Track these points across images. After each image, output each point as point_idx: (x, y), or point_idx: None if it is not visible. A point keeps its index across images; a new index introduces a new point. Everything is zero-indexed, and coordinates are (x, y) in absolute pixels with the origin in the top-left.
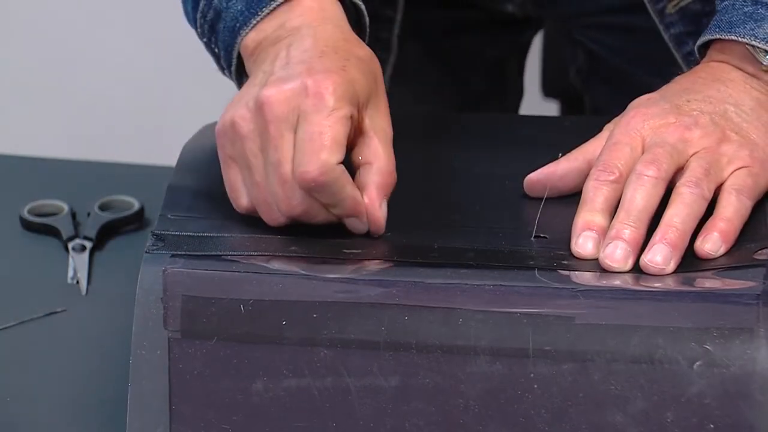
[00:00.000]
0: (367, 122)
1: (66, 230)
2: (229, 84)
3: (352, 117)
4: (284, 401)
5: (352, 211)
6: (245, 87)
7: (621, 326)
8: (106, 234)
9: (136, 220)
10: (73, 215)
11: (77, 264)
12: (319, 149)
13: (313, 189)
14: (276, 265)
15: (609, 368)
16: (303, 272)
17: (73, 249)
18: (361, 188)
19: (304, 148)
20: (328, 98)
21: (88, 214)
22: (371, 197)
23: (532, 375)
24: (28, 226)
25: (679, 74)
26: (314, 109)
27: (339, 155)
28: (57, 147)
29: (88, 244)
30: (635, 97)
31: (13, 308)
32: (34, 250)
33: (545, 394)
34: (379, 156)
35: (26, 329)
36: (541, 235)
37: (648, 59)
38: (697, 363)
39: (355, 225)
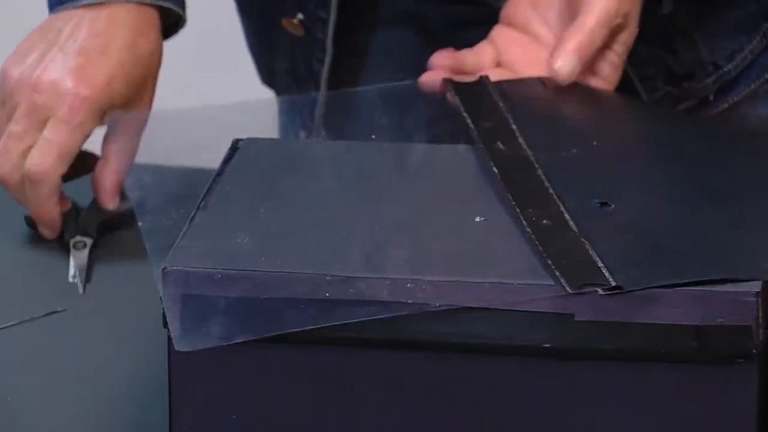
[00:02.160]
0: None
1: (68, 227)
2: (229, 84)
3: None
4: (285, 400)
5: (41, 220)
6: (39, 39)
7: (617, 324)
8: (106, 230)
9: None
10: (77, 212)
11: (77, 262)
12: (52, 155)
13: (28, 180)
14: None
15: (606, 366)
16: (304, 270)
17: (74, 247)
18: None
19: (42, 147)
20: (80, 114)
21: (88, 210)
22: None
23: (527, 372)
24: (31, 221)
25: None
26: (64, 119)
27: (64, 168)
28: None
29: (89, 242)
30: None
31: (13, 307)
32: (35, 249)
33: (540, 391)
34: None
35: (27, 329)
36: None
37: None
38: (694, 359)
39: (43, 230)
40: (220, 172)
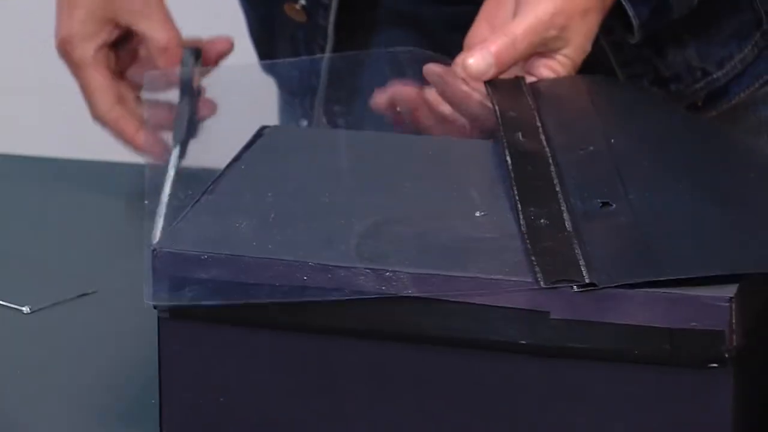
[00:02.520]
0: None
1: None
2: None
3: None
4: (272, 386)
5: (133, 146)
6: None
7: (591, 323)
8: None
9: None
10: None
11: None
12: (89, 103)
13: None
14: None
15: (580, 365)
16: (293, 258)
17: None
18: None
19: (84, 97)
20: (74, 54)
21: None
22: None
23: (505, 367)
24: None
25: None
26: (72, 67)
27: (102, 103)
28: (57, 147)
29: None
30: None
31: (45, 290)
32: (68, 231)
33: (517, 388)
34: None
35: (58, 311)
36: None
37: None
38: (667, 362)
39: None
40: (238, 157)
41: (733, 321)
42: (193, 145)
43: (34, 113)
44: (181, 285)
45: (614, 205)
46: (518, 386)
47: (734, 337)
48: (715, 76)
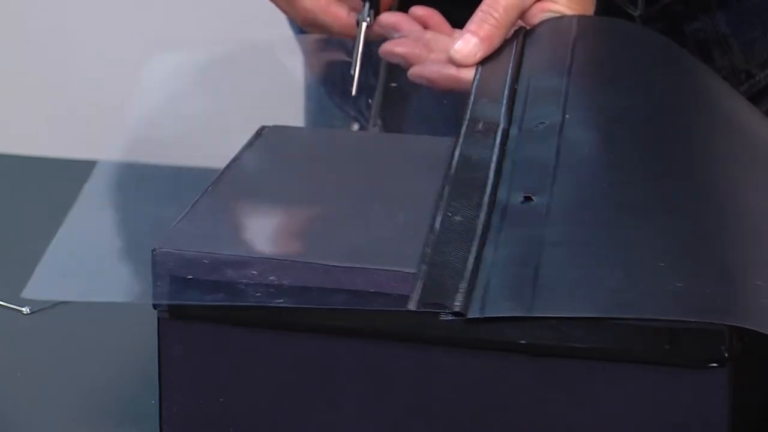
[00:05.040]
0: None
1: None
2: (229, 85)
3: None
4: (272, 385)
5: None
6: None
7: (589, 322)
8: None
9: None
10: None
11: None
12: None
13: None
14: (268, 249)
15: (580, 366)
16: (293, 258)
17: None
18: None
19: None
20: None
21: None
22: None
23: (500, 369)
24: None
25: None
26: None
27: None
28: (57, 147)
29: None
30: None
31: None
32: None
33: (516, 388)
34: None
35: (58, 311)
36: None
37: None
38: (666, 362)
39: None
40: (238, 157)
41: None
42: (193, 146)
43: (34, 113)
44: (181, 285)
45: (535, 200)
46: (518, 386)
47: (734, 336)
48: (757, 78)
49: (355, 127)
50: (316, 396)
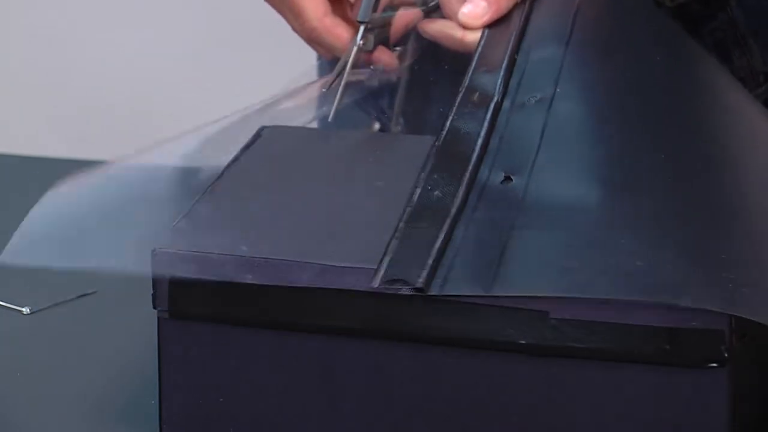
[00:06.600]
0: None
1: None
2: (229, 84)
3: None
4: (272, 385)
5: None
6: None
7: (590, 323)
8: None
9: None
10: None
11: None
12: (299, 18)
13: None
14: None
15: (580, 366)
16: (292, 258)
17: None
18: None
19: (293, 13)
20: None
21: None
22: None
23: (500, 369)
24: None
25: None
26: None
27: (313, 11)
28: (57, 147)
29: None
30: None
31: (46, 291)
32: None
33: (515, 388)
34: None
35: (58, 311)
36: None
37: None
38: (666, 362)
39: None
40: (237, 158)
41: (733, 321)
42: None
43: (34, 113)
44: (181, 285)
45: (514, 180)
46: (518, 386)
47: (734, 336)
48: None
49: (376, 126)
50: (316, 396)
